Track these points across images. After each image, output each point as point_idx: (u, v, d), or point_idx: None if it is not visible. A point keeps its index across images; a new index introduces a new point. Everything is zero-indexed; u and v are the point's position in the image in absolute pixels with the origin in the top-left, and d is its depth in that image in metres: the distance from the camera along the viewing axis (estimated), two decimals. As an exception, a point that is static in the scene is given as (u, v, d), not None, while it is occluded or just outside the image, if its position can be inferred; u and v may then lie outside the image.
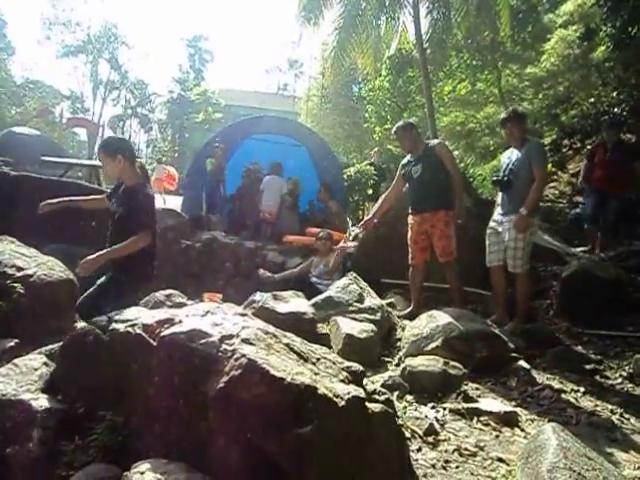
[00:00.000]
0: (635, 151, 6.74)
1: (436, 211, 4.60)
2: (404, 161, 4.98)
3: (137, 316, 2.09)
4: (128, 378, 2.02)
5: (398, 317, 4.56)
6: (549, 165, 10.44)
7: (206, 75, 38.32)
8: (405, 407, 2.73)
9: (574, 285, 4.93)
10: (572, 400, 3.14)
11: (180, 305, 3.88)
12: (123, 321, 2.06)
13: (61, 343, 2.20)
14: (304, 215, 8.72)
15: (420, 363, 3.18)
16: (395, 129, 4.93)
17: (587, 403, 3.13)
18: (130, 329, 2.00)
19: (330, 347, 3.50)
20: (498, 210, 4.55)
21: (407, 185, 4.93)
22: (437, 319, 3.78)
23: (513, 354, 3.62)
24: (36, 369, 2.11)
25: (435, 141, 5.20)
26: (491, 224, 4.58)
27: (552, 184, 10.21)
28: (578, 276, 5.01)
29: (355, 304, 4.17)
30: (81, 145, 37.12)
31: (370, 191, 9.09)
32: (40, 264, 4.36)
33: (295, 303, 4.08)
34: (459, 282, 4.75)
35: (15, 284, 3.96)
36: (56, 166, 8.72)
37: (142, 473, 1.60)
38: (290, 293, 4.29)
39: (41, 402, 1.96)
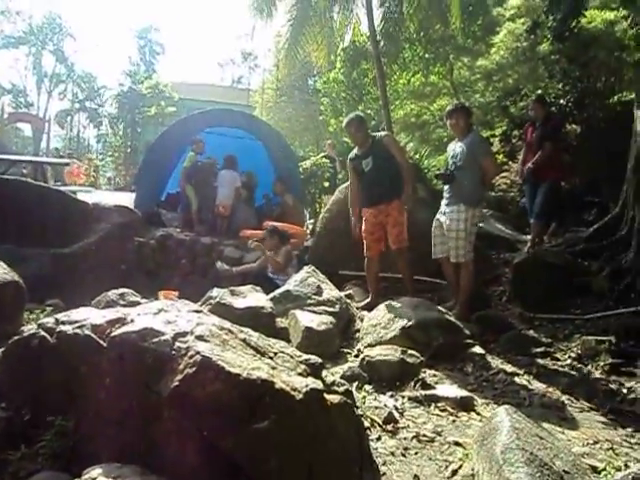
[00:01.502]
0: (559, 126, 6.62)
1: (390, 201, 4.66)
2: (351, 155, 5.00)
3: (86, 317, 2.01)
4: (77, 381, 1.94)
5: (357, 308, 4.59)
6: (500, 155, 10.73)
7: (158, 68, 37.38)
8: (364, 397, 2.75)
9: (525, 271, 5.09)
10: (525, 383, 3.24)
11: (134, 304, 3.77)
12: (71, 322, 1.98)
13: (2, 348, 2.09)
14: (261, 209, 8.65)
15: (378, 353, 3.21)
16: (347, 122, 4.89)
17: (539, 385, 3.23)
18: (78, 330, 1.92)
19: (289, 341, 3.48)
20: (443, 202, 4.64)
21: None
22: (394, 309, 3.83)
23: (468, 340, 3.70)
24: (-23, 376, 2.00)
25: (381, 133, 5.26)
26: (437, 216, 4.67)
27: (503, 174, 10.49)
28: (528, 262, 5.19)
29: (314, 297, 4.17)
30: (26, 141, 35.48)
31: (326, 184, 9.10)
32: (-19, 266, 4.15)
33: (253, 298, 4.04)
34: (410, 270, 4.83)
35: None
36: (-1, 163, 8.32)
37: (94, 479, 1.55)
38: (248, 288, 4.24)
39: (-17, 411, 1.85)
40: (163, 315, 2.03)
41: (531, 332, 4.33)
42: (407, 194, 4.65)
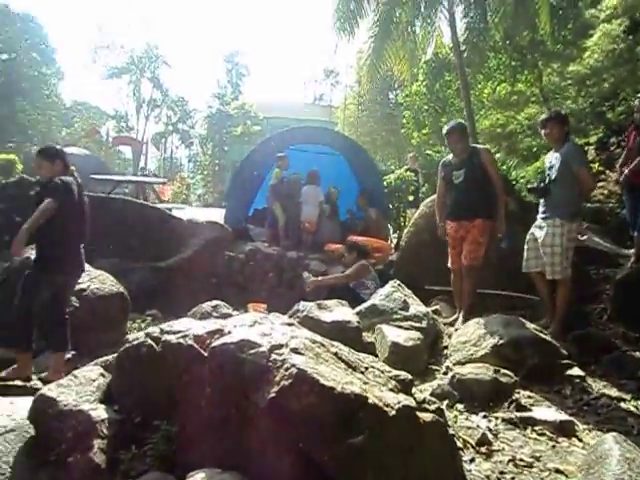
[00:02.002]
0: None
1: (474, 219, 4.50)
2: (445, 160, 4.85)
3: (188, 327, 2.14)
4: (180, 388, 2.06)
5: (444, 324, 4.48)
6: (596, 164, 10.09)
7: (243, 89, 39.00)
8: (456, 416, 2.68)
9: (628, 288, 4.72)
10: (632, 409, 3.00)
11: (226, 316, 3.96)
12: (174, 332, 2.12)
13: (116, 355, 2.27)
14: (345, 223, 8.72)
15: (469, 371, 3.11)
16: (448, 131, 4.68)
17: (649, 412, 2.98)
18: (182, 340, 2.05)
19: (376, 356, 3.47)
20: (539, 215, 4.42)
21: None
22: (485, 326, 3.70)
23: (566, 361, 3.49)
24: (94, 380, 2.19)
25: (480, 146, 5.05)
26: (531, 230, 4.46)
27: (600, 184, 9.84)
28: (632, 278, 4.81)
29: (400, 312, 4.14)
30: (126, 162, 38.47)
31: (411, 198, 9.01)
32: (92, 278, 4.54)
33: (339, 312, 4.08)
34: (474, 288, 4.62)
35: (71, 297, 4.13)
36: (105, 183, 9.07)
37: (198, 482, 1.63)
38: (334, 302, 4.29)
39: (99, 412, 2.02)
40: (258, 327, 2.11)
41: (637, 354, 4.01)
42: (500, 222, 4.48)
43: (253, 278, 6.81)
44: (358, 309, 4.28)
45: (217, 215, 9.31)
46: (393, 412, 1.72)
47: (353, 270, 5.71)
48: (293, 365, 1.73)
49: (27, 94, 29.37)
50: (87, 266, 4.44)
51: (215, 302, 4.14)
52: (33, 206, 3.69)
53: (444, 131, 4.81)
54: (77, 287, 4.16)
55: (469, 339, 3.62)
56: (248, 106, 33.23)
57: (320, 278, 5.97)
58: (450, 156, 4.83)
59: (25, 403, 2.09)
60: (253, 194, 8.98)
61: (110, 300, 4.52)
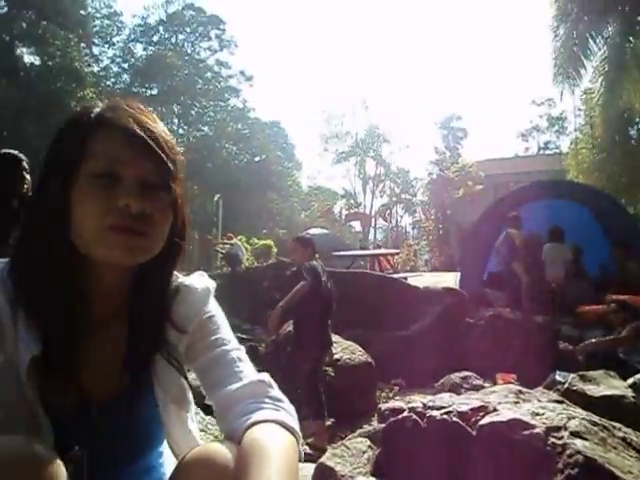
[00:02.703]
0: None
1: None
2: None
3: (450, 403, 2.13)
4: (446, 466, 2.03)
5: None
6: None
7: (462, 151, 39.14)
8: None
9: None
10: None
11: (478, 388, 3.81)
12: (437, 407, 2.12)
13: (381, 428, 2.36)
14: (596, 281, 7.76)
15: None
16: None
17: None
18: (446, 417, 2.04)
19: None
20: None
21: None
22: None
23: None
24: (363, 452, 2.30)
25: None
26: None
27: None
28: None
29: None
30: (355, 236, 41.56)
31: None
32: (344, 349, 4.89)
33: (608, 384, 3.56)
34: None
35: (327, 367, 4.51)
36: (344, 258, 9.91)
37: None
38: (600, 372, 3.77)
39: (372, 485, 2.10)
40: (525, 405, 1.99)
41: None
42: None
43: (497, 346, 6.44)
44: (632, 380, 3.68)
45: (449, 279, 9.24)
46: None
47: (629, 333, 5.05)
48: (578, 452, 1.56)
49: (275, 186, 34.67)
50: (337, 337, 4.83)
51: (464, 373, 4.04)
52: (287, 286, 4.25)
53: None
54: (333, 357, 4.52)
55: None
56: (468, 167, 33.03)
57: (593, 341, 5.45)
58: None
59: (307, 469, 2.30)
60: (487, 257, 8.71)
61: (360, 369, 4.78)
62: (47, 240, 0.79)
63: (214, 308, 0.97)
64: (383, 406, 4.38)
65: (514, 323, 6.45)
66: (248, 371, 0.90)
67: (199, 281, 0.97)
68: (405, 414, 2.19)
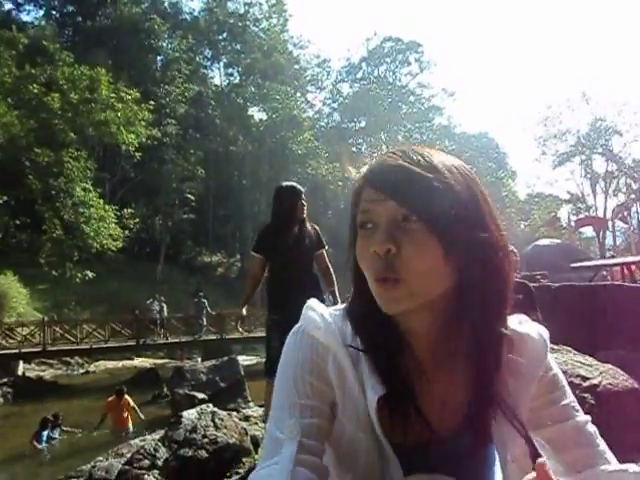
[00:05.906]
0: None
1: None
2: None
3: None
4: None
5: None
6: None
7: None
8: None
9: None
10: None
11: None
12: None
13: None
14: None
15: None
16: None
17: None
18: None
19: None
20: None
21: None
22: None
23: None
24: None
25: None
26: None
27: None
28: None
29: None
30: (587, 242, 37.05)
31: None
32: (602, 372, 4.36)
33: None
34: None
35: (584, 394, 4.07)
36: (583, 270, 8.85)
37: None
38: None
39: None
40: None
41: None
42: None
43: None
44: None
45: None
46: None
47: None
48: None
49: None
50: (592, 359, 4.33)
51: None
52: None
53: None
54: (588, 383, 4.07)
55: None
56: None
57: None
58: None
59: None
60: None
61: (625, 396, 4.20)
62: (363, 288, 0.75)
63: (554, 364, 0.82)
64: None
65: None
66: (606, 448, 0.80)
67: (533, 329, 0.81)
68: None
